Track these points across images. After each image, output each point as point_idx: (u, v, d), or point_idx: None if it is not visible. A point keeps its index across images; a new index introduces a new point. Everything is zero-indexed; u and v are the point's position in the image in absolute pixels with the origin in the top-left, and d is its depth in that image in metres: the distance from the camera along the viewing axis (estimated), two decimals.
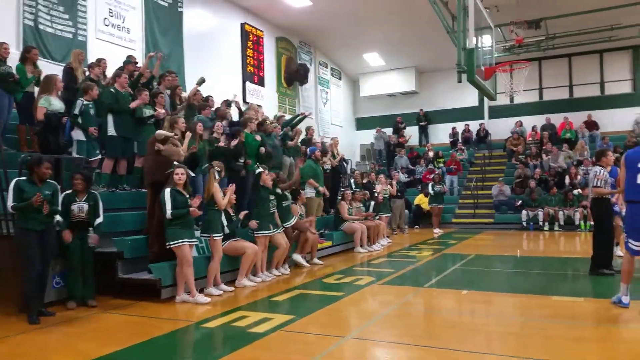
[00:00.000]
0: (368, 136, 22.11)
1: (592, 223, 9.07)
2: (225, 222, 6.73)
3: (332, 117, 20.58)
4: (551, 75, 20.03)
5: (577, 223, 14.27)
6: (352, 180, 13.44)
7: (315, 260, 8.94)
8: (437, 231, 14.39)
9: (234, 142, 8.16)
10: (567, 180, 15.65)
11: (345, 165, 14.48)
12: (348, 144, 21.19)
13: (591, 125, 18.30)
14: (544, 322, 5.09)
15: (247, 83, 14.93)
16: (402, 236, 14.32)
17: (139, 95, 7.78)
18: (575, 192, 14.80)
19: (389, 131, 21.60)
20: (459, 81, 7.47)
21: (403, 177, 18.33)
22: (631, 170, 5.10)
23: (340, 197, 11.51)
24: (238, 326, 4.91)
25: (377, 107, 22.57)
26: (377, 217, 12.06)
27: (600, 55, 19.15)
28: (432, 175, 16.11)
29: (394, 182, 14.37)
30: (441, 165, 19.07)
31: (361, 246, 10.59)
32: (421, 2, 10.60)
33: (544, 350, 4.18)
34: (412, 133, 21.48)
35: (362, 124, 23.00)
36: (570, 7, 14.30)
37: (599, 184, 6.86)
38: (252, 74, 15.27)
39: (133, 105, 7.59)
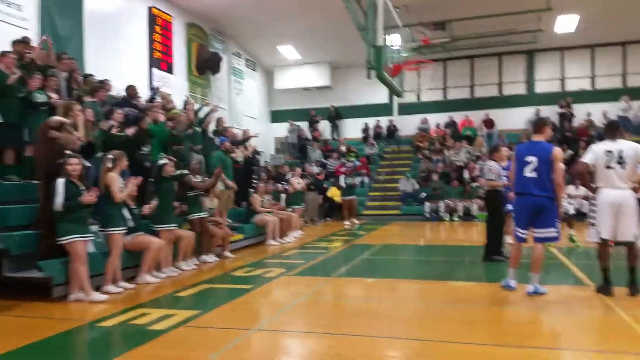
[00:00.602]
0: (283, 129, 22.09)
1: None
2: (129, 216, 6.39)
3: (246, 108, 20.30)
4: (455, 76, 21.19)
5: (474, 214, 15.29)
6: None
7: (226, 253, 8.78)
8: (348, 223, 14.73)
9: (131, 131, 7.74)
10: (466, 174, 16.67)
11: (258, 157, 14.36)
12: (263, 136, 21.00)
13: (489, 123, 19.62)
14: (442, 306, 5.38)
15: (154, 69, 14.27)
16: (314, 228, 14.49)
17: (31, 79, 7.15)
18: (474, 185, 15.82)
19: (305, 124, 21.75)
20: (368, 77, 7.66)
21: (316, 170, 18.56)
22: (520, 164, 5.52)
23: (252, 190, 11.39)
24: (137, 324, 4.68)
25: (292, 100, 22.60)
26: (291, 210, 12.11)
27: (499, 58, 20.57)
28: (345, 168, 16.48)
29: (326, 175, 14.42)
30: (353, 159, 19.51)
31: (273, 239, 10.56)
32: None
33: (442, 332, 4.42)
34: (326, 127, 21.79)
35: (277, 116, 22.92)
36: (473, 11, 15.18)
37: (492, 177, 7.37)
38: (160, 60, 14.63)
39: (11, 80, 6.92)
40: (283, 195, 12.35)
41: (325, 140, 21.41)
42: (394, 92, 9.11)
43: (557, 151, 5.40)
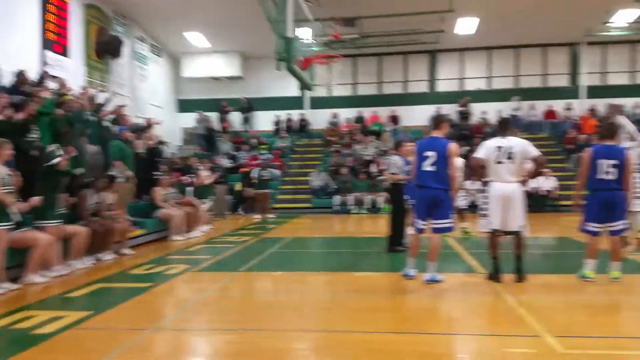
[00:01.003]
0: (191, 119, 21.35)
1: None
2: (15, 210, 5.81)
3: (151, 96, 19.36)
4: (364, 72, 21.75)
5: (380, 206, 15.83)
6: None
7: (125, 250, 8.31)
8: (258, 216, 14.61)
9: (17, 116, 7.06)
10: (373, 168, 17.19)
11: (162, 148, 13.72)
12: (169, 126, 20.22)
13: (395, 119, 20.37)
14: (347, 296, 5.48)
15: (47, 52, 13.12)
16: (223, 222, 14.20)
17: None
18: (380, 178, 16.36)
19: (213, 115, 21.18)
20: (278, 69, 7.58)
21: (226, 163, 18.20)
22: (420, 159, 5.75)
23: (155, 183, 10.87)
24: (20, 328, 4.27)
25: (201, 89, 21.91)
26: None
27: (405, 57, 21.39)
28: (259, 161, 16.28)
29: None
30: (264, 152, 19.38)
31: (178, 233, 10.17)
32: None
33: (347, 322, 4.50)
34: (236, 118, 21.41)
35: (184, 106, 22.10)
36: (380, 9, 15.62)
37: (395, 171, 7.64)
38: (54, 42, 13.47)
39: None
40: (190, 189, 11.93)
41: (236, 132, 21.03)
42: (304, 85, 9.13)
43: (454, 147, 5.69)
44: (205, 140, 20.50)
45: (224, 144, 19.58)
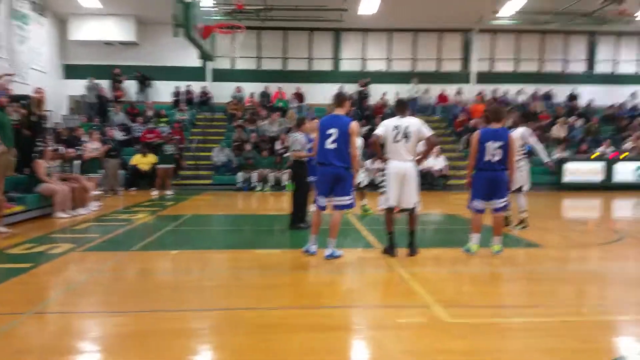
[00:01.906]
0: (79, 87, 19.68)
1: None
2: None
3: (32, 59, 17.52)
4: (269, 46, 21.41)
5: (284, 183, 15.84)
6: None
7: (1, 228, 7.51)
8: (156, 192, 13.97)
9: None
10: (278, 145, 17.11)
11: (47, 117, 12.52)
12: (53, 93, 18.48)
13: (299, 96, 20.38)
14: (248, 274, 5.42)
15: None
16: (115, 199, 13.38)
17: None
18: (284, 155, 16.35)
19: (105, 83, 19.71)
20: (176, 35, 7.16)
21: (119, 135, 17.09)
22: (322, 136, 5.78)
23: (37, 155, 9.89)
24: None
25: (91, 54, 20.22)
26: (86, 178, 10.90)
27: (310, 34, 21.36)
28: (163, 134, 15.45)
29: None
30: (162, 125, 18.44)
31: (63, 210, 9.39)
32: None
33: (246, 300, 4.45)
34: (131, 87, 20.11)
35: (71, 71, 20.29)
36: None
37: (298, 148, 7.64)
38: None
39: None
40: (77, 162, 11.03)
41: (131, 102, 19.76)
42: (204, 55, 8.74)
43: (355, 125, 5.78)
44: (96, 110, 19.06)
45: (116, 115, 18.31)
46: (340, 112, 5.90)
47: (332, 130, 5.69)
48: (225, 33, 9.08)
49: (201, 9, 9.62)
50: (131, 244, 6.91)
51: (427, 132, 5.95)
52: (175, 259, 6.25)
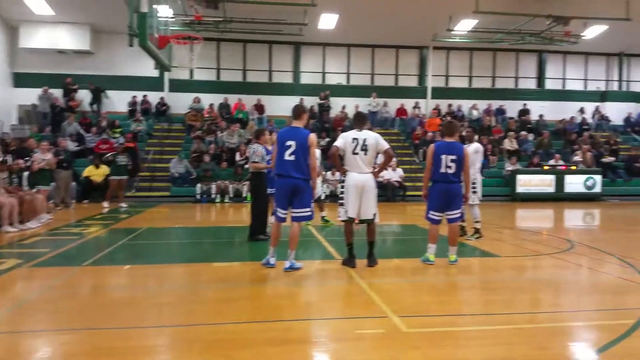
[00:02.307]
0: (30, 96, 18.99)
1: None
2: None
3: None
4: (228, 58, 21.34)
5: (244, 195, 15.69)
6: None
7: None
8: (107, 205, 13.58)
9: None
10: (237, 156, 16.97)
11: None
12: (2, 102, 17.76)
13: (260, 108, 20.32)
14: (205, 288, 5.31)
15: None
16: (67, 212, 12.91)
17: None
18: (245, 167, 16.22)
19: (58, 92, 19.09)
20: (131, 45, 7.02)
21: (72, 146, 16.56)
22: (281, 148, 5.77)
23: None
24: None
25: (43, 63, 19.59)
26: (35, 190, 10.48)
27: (270, 46, 21.42)
28: (116, 145, 15.06)
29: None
30: (117, 135, 18.00)
31: (10, 224, 8.96)
32: None
33: (202, 315, 4.35)
34: (84, 97, 19.55)
35: (22, 80, 19.55)
36: None
37: (256, 160, 7.60)
38: None
39: None
40: (26, 174, 10.59)
41: (83, 113, 19.20)
42: (160, 65, 8.60)
43: (313, 137, 5.81)
44: (49, 120, 18.43)
45: (69, 126, 17.72)
46: (298, 124, 5.92)
47: (290, 142, 5.70)
48: (182, 44, 8.95)
49: (159, 19, 9.49)
50: (83, 259, 6.66)
51: (385, 144, 6.04)
52: (128, 274, 6.06)
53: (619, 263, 6.58)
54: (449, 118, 19.48)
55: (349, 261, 6.13)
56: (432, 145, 6.41)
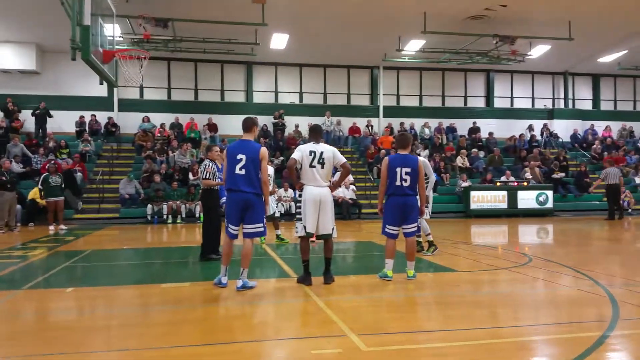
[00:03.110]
0: None
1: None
2: None
3: None
4: (179, 77, 21.05)
5: (197, 215, 15.28)
6: None
7: None
8: (53, 227, 12.90)
9: None
10: (190, 175, 16.58)
11: None
12: None
13: (212, 127, 20.03)
14: (152, 310, 5.03)
15: None
16: (11, 235, 12.20)
17: None
18: (195, 184, 15.86)
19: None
20: (73, 58, 6.73)
21: (17, 167, 15.75)
22: (231, 162, 5.58)
23: None
24: None
25: None
26: None
27: (222, 66, 21.25)
28: (48, 166, 14.42)
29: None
30: (64, 156, 17.30)
31: None
32: None
33: (148, 339, 4.08)
34: (27, 117, 18.73)
35: None
36: (195, 14, 15.20)
37: (208, 177, 7.38)
38: None
39: None
40: None
41: (29, 134, 18.36)
42: (106, 80, 8.29)
43: (264, 150, 5.65)
44: None
45: (15, 147, 16.87)
46: (248, 137, 5.77)
47: (241, 156, 5.53)
48: (128, 58, 8.69)
49: (107, 37, 9.22)
50: (22, 282, 6.22)
51: (342, 158, 5.99)
52: (72, 297, 5.69)
53: (577, 275, 6.65)
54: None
55: (305, 279, 5.97)
56: (386, 158, 6.33)
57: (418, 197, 6.29)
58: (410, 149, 6.38)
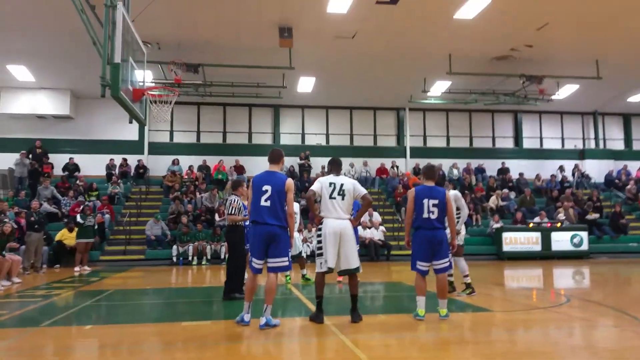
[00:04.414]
0: (7, 160, 18.63)
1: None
2: None
3: None
4: (208, 120, 21.44)
5: (222, 257, 15.13)
6: None
7: None
8: (78, 269, 12.95)
9: None
10: (216, 217, 16.56)
11: None
12: None
13: (240, 169, 20.18)
14: (170, 347, 4.81)
15: None
16: (36, 276, 12.25)
17: None
18: (220, 223, 15.80)
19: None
20: (103, 95, 6.88)
21: (47, 206, 16.07)
22: (256, 193, 5.47)
23: None
24: None
25: (22, 127, 19.59)
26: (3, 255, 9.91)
27: (250, 109, 21.64)
28: (82, 207, 14.65)
29: None
30: (93, 198, 17.59)
31: None
32: (70, 13, 9.43)
33: None
34: (57, 161, 19.27)
35: (1, 145, 19.31)
36: (226, 59, 15.63)
37: (233, 212, 7.27)
38: None
39: None
40: None
41: (62, 177, 18.84)
42: (135, 118, 8.43)
43: (290, 182, 5.52)
44: (26, 184, 18.04)
45: (45, 190, 17.27)
46: (275, 168, 5.67)
47: (266, 187, 5.41)
48: (157, 97, 8.85)
49: (139, 81, 9.48)
50: (42, 320, 6.11)
51: (362, 190, 5.81)
52: (90, 335, 5.53)
53: (618, 315, 6.21)
54: None
55: (317, 316, 5.67)
56: (412, 190, 6.10)
57: (448, 231, 6.02)
58: (437, 179, 6.17)
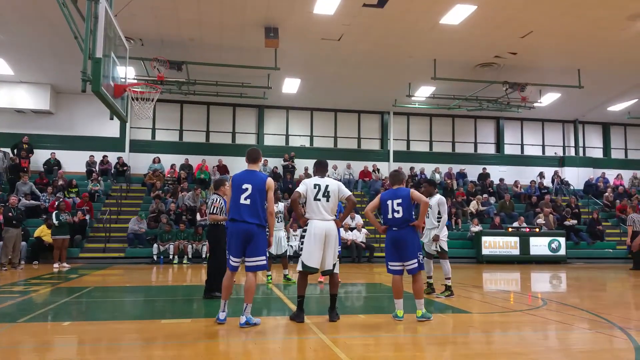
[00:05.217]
0: None
1: None
2: None
3: None
4: (191, 119, 21.31)
5: (204, 256, 15.04)
6: None
7: None
8: (57, 265, 12.75)
9: None
10: (198, 216, 16.47)
11: None
12: None
13: (222, 168, 20.08)
14: (148, 345, 4.78)
15: None
16: (14, 272, 12.04)
17: None
18: (201, 222, 15.72)
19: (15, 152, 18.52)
20: (83, 90, 6.80)
21: (25, 201, 15.81)
22: (236, 191, 5.46)
23: None
24: None
25: (0, 122, 19.13)
26: None
27: (234, 108, 21.56)
28: (57, 203, 14.43)
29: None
30: (73, 195, 17.35)
31: None
32: (51, 5, 9.24)
33: None
34: (39, 157, 18.95)
35: None
36: (210, 58, 15.57)
37: (215, 211, 7.24)
38: None
39: None
40: None
41: (40, 172, 18.52)
42: (116, 114, 8.33)
43: (270, 181, 5.53)
44: (3, 179, 17.70)
45: (24, 185, 16.97)
46: (254, 167, 5.66)
47: (247, 186, 5.41)
48: (139, 93, 8.78)
49: (120, 77, 9.38)
50: (19, 316, 6.01)
51: (347, 191, 5.85)
52: (67, 331, 5.45)
53: (593, 318, 6.34)
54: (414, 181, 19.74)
55: (297, 316, 5.68)
56: (378, 195, 6.33)
57: (415, 230, 5.96)
58: (404, 183, 6.24)
